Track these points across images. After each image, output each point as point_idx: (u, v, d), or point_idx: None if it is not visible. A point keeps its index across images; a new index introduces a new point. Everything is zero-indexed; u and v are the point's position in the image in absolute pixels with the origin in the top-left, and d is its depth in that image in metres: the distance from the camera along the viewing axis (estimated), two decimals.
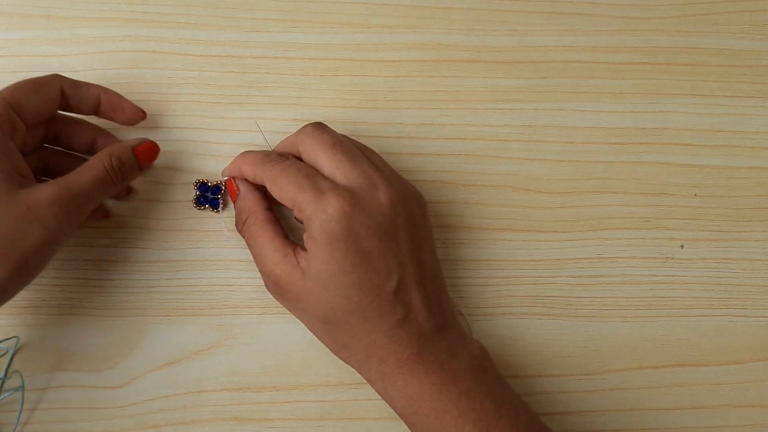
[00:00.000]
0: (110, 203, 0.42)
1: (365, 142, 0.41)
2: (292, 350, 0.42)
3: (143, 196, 0.42)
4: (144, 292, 0.42)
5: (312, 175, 0.37)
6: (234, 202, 0.40)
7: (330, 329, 0.37)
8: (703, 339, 0.43)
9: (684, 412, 0.42)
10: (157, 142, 0.41)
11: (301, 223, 0.37)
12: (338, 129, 0.43)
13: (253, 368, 0.41)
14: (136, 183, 0.42)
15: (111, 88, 0.40)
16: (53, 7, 0.44)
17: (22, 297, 0.41)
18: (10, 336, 0.39)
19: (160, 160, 0.42)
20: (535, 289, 0.43)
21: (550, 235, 0.44)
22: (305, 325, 0.39)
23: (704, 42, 0.46)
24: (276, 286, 0.38)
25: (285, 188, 0.37)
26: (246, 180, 0.40)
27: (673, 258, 0.44)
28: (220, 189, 0.42)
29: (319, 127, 0.39)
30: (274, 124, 0.43)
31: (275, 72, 0.44)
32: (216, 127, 0.43)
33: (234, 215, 0.41)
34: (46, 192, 0.34)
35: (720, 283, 0.44)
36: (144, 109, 0.41)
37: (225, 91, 0.44)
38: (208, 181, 0.42)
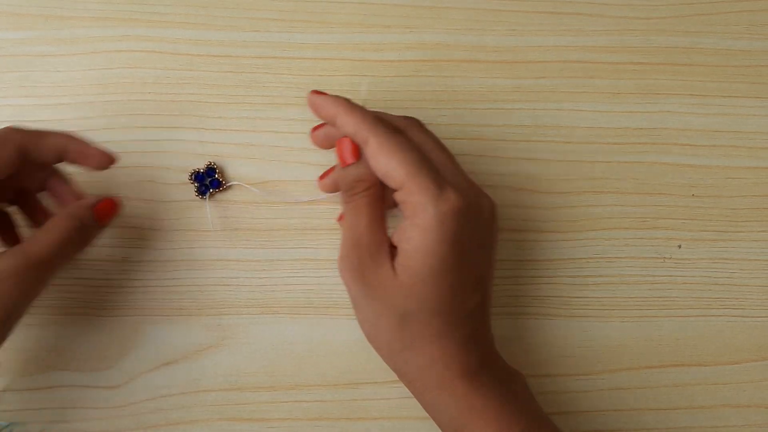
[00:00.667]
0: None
1: None
2: (290, 350, 0.42)
3: (140, 196, 0.42)
4: (142, 291, 0.42)
5: (428, 161, 0.34)
6: (347, 164, 0.36)
7: (404, 326, 0.34)
8: (700, 339, 0.43)
9: (681, 412, 0.42)
10: (155, 141, 0.41)
11: (392, 207, 0.36)
12: None
13: (251, 368, 0.41)
14: (132, 182, 0.42)
15: (108, 88, 0.40)
16: (51, 7, 0.44)
17: None
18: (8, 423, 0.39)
19: (157, 161, 0.42)
20: (532, 288, 0.43)
21: (548, 235, 0.44)
22: (362, 314, 0.35)
23: (702, 42, 0.46)
24: (356, 267, 0.35)
25: (403, 163, 0.33)
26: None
27: (670, 258, 0.44)
28: (218, 186, 0.42)
29: (422, 123, 0.37)
30: (272, 124, 0.43)
31: (273, 72, 0.44)
32: (214, 127, 0.43)
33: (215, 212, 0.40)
34: (2, 264, 0.33)
35: (717, 283, 0.44)
36: (114, 153, 0.38)
37: (223, 90, 0.44)
38: (218, 176, 0.42)
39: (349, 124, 0.35)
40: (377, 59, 0.44)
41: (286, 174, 0.43)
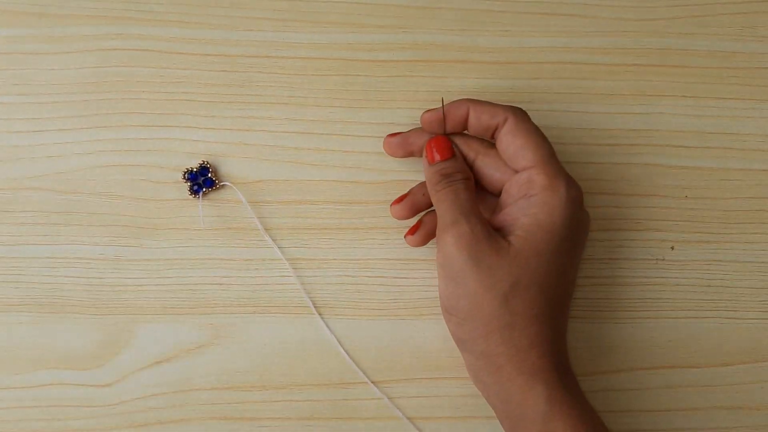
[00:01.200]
0: (94, 204, 0.42)
1: (355, 142, 0.41)
2: (282, 349, 0.42)
3: (133, 195, 0.42)
4: (134, 290, 0.42)
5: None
6: (437, 160, 0.37)
7: (509, 301, 0.34)
8: (693, 341, 0.43)
9: (674, 414, 0.42)
10: (148, 140, 0.41)
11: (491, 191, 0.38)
12: (329, 129, 0.44)
13: (243, 367, 0.41)
14: (125, 180, 0.42)
15: (102, 86, 0.40)
16: (45, 5, 0.44)
17: (12, 295, 0.41)
18: None
19: (150, 159, 0.42)
20: None
21: None
22: (464, 288, 0.35)
23: (696, 44, 0.46)
24: (468, 234, 0.34)
25: (541, 145, 0.36)
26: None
27: (663, 259, 0.44)
28: (211, 185, 0.42)
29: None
30: (265, 123, 0.43)
31: (267, 71, 0.44)
32: (207, 126, 0.43)
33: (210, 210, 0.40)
34: None
35: (710, 285, 0.44)
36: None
37: (216, 89, 0.44)
38: (211, 175, 0.42)
39: (485, 111, 0.37)
40: (370, 59, 0.44)
41: (279, 173, 0.43)
